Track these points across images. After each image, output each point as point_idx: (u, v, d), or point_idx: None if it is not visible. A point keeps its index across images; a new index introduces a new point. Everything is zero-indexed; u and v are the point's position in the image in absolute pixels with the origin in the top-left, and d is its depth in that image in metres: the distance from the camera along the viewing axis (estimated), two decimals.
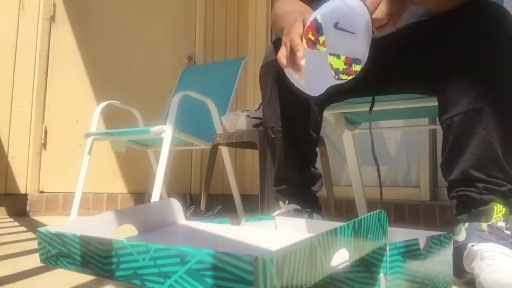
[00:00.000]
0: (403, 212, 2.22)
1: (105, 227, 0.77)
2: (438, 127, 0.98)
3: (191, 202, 2.56)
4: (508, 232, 0.86)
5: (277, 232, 0.91)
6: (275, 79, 1.09)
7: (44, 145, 2.54)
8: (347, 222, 0.53)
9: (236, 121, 1.90)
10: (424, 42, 1.03)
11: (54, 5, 2.63)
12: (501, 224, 0.87)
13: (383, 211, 0.61)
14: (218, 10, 3.39)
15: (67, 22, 2.68)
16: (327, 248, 0.49)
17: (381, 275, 0.59)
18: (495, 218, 0.87)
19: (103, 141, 2.35)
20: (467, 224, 0.88)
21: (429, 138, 2.26)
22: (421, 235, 0.69)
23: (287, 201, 1.11)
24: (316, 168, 1.15)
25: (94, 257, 0.56)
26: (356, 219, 0.55)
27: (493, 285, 0.73)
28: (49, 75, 2.58)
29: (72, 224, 0.75)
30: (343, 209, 2.46)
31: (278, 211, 1.11)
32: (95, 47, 2.77)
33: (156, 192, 1.74)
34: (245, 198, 2.45)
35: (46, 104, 2.57)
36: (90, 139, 2.09)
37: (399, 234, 0.75)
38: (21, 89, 2.49)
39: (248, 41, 3.52)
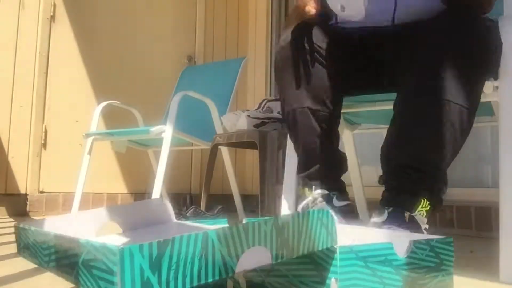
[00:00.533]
0: None
1: (89, 224, 0.77)
2: None
3: (191, 202, 2.56)
4: (425, 231, 0.88)
5: None
6: (295, 61, 1.07)
7: (44, 145, 2.54)
8: (265, 218, 0.50)
9: (236, 121, 1.90)
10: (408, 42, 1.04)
11: (54, 5, 2.63)
12: (422, 219, 0.88)
13: (326, 210, 0.56)
14: (218, 10, 3.39)
15: (67, 22, 2.68)
16: (232, 244, 0.46)
17: (332, 280, 0.55)
18: (419, 211, 0.88)
19: (103, 141, 2.35)
20: (391, 208, 0.89)
21: None
22: (421, 237, 0.68)
23: (313, 187, 1.08)
24: (339, 150, 1.14)
25: (37, 247, 0.57)
26: (279, 216, 0.51)
27: None
28: (49, 75, 2.58)
29: (56, 220, 0.75)
30: None
31: (305, 201, 1.08)
32: (95, 47, 2.77)
33: (156, 192, 1.73)
34: (245, 198, 2.45)
35: (46, 104, 2.56)
36: (90, 139, 2.09)
37: (399, 237, 0.75)
38: (21, 89, 2.49)
39: (248, 41, 3.52)
